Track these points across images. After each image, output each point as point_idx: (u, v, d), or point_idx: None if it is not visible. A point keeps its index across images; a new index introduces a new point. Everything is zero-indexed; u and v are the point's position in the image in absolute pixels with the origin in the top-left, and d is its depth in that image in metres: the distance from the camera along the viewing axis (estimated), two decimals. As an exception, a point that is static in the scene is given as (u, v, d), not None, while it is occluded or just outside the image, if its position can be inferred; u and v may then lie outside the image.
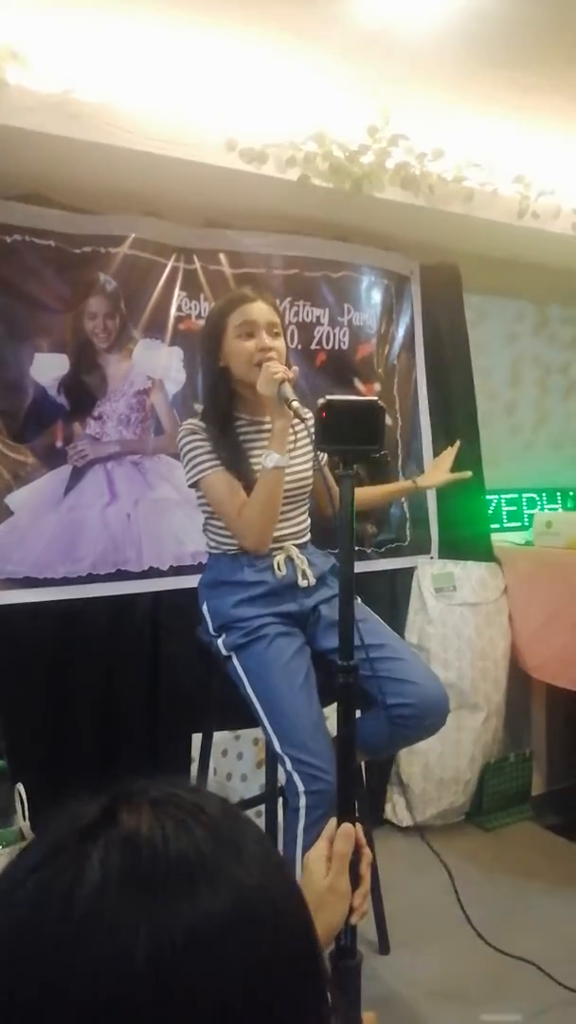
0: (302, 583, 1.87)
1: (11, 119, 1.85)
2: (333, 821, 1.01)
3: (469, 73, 2.09)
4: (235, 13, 1.84)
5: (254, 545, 1.82)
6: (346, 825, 0.98)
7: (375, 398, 1.11)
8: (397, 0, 1.78)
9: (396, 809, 2.84)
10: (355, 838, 0.97)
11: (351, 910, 0.95)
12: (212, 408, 1.88)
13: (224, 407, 1.86)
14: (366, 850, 0.99)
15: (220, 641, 1.87)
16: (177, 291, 2.42)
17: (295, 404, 1.67)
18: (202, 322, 2.45)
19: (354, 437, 1.09)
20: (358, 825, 0.99)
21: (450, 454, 2.20)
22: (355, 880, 0.97)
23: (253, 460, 1.84)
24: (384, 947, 2.11)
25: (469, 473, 2.21)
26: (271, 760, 1.81)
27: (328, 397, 1.12)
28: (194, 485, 1.86)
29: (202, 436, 1.83)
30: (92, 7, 1.79)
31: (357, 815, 2.08)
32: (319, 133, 2.22)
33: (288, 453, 1.80)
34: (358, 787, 1.68)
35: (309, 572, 1.88)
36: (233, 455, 1.83)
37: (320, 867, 0.94)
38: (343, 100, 2.20)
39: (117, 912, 0.48)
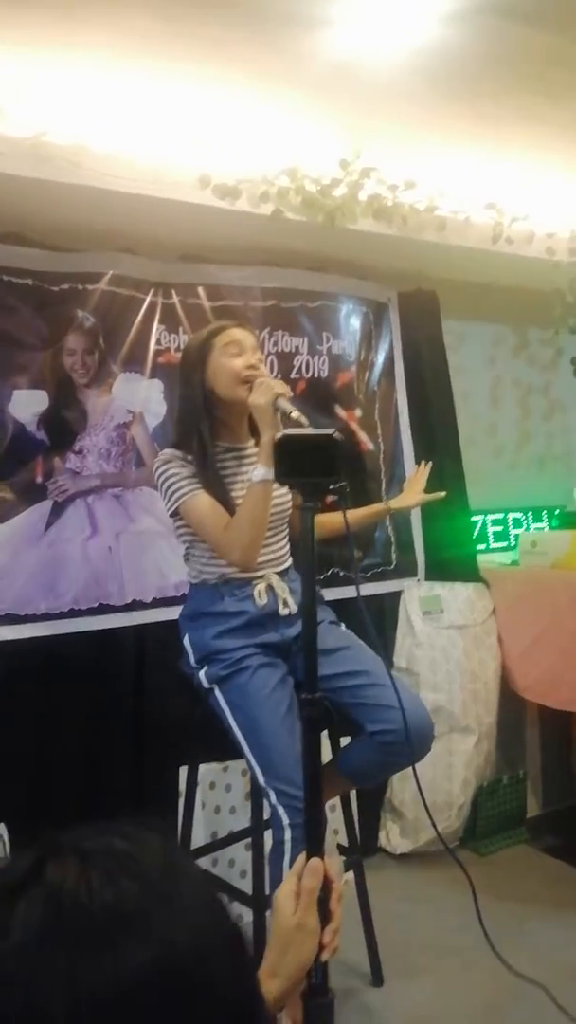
0: (283, 611, 1.87)
1: (-17, 163, 1.88)
2: (302, 856, 0.99)
3: (435, 106, 2.13)
4: (203, 53, 1.87)
5: (241, 560, 1.79)
6: (314, 860, 0.96)
7: (332, 431, 1.11)
8: (359, 38, 1.82)
9: (390, 836, 2.82)
10: (323, 873, 0.96)
11: (321, 947, 0.94)
12: (193, 433, 1.86)
13: (205, 433, 1.86)
14: (336, 884, 0.98)
15: (202, 673, 1.86)
16: (156, 325, 2.45)
17: (295, 414, 1.66)
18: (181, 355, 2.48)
19: (312, 470, 1.10)
20: (327, 859, 0.98)
21: (423, 473, 2.23)
22: (325, 916, 0.95)
23: (233, 488, 1.84)
24: (377, 979, 2.09)
25: (443, 493, 2.22)
26: (256, 793, 1.79)
27: (285, 431, 1.14)
28: (175, 513, 1.85)
29: (178, 463, 1.83)
30: (62, 51, 1.83)
31: (347, 845, 2.07)
32: (291, 168, 2.26)
33: None
34: (324, 822, 1.66)
35: (290, 600, 1.88)
36: (214, 482, 1.82)
37: (288, 904, 0.93)
38: (314, 135, 2.24)
39: (35, 970, 0.48)
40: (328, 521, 2.10)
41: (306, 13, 1.71)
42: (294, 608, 1.87)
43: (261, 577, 1.87)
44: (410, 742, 1.76)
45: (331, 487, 1.11)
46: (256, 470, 1.75)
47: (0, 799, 1.93)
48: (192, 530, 1.87)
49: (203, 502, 1.80)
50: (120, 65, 1.89)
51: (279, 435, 1.14)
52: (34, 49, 1.81)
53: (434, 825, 1.82)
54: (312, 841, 1.06)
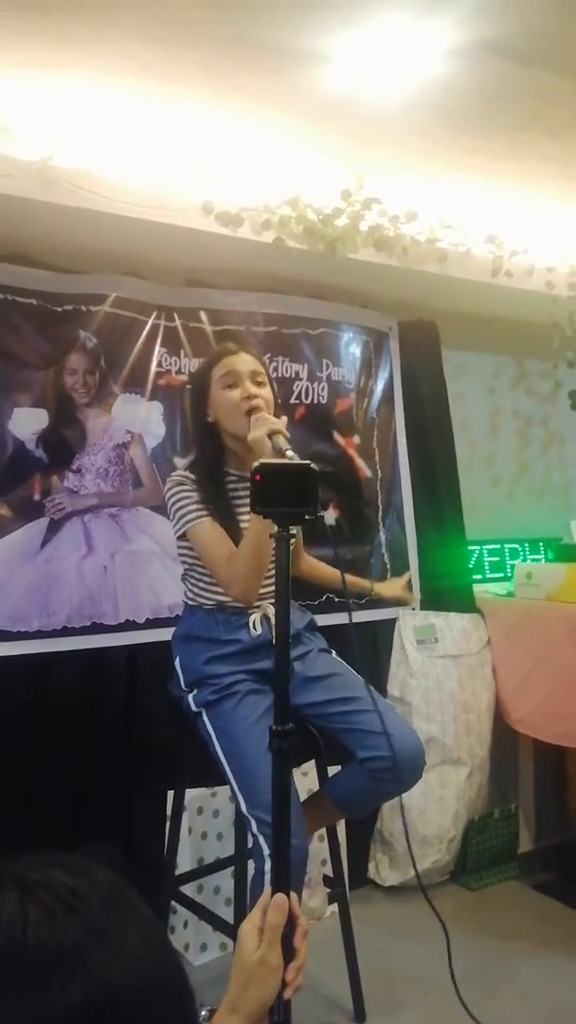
0: None
1: (-9, 185, 1.92)
2: (268, 890, 0.98)
3: (437, 139, 2.17)
4: (209, 82, 1.92)
5: (241, 595, 1.78)
6: (279, 896, 0.94)
7: (308, 462, 1.12)
8: (362, 73, 1.86)
9: (379, 868, 2.78)
10: (288, 909, 0.94)
11: (284, 984, 0.92)
12: (202, 463, 1.88)
13: (213, 462, 1.88)
14: (302, 920, 0.96)
15: (191, 697, 1.85)
16: (158, 347, 2.47)
17: (288, 454, 1.63)
18: (183, 377, 2.50)
19: (288, 500, 1.10)
20: (292, 895, 0.96)
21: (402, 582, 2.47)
22: (290, 953, 0.93)
23: (241, 518, 1.84)
24: (360, 1014, 2.04)
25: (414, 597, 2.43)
26: (240, 821, 1.77)
27: (261, 460, 1.14)
28: (182, 536, 1.85)
29: (190, 487, 1.83)
30: (70, 77, 1.87)
31: (332, 876, 2.04)
32: (293, 197, 2.29)
33: None
34: (306, 855, 1.65)
35: None
36: (222, 511, 1.82)
37: (252, 939, 0.91)
38: (316, 164, 2.28)
39: None
40: (319, 571, 2.17)
41: (308, 48, 1.75)
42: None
43: (258, 607, 1.86)
44: (399, 769, 1.75)
45: (307, 517, 1.10)
46: None
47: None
48: (194, 554, 1.87)
49: (208, 530, 1.80)
50: (127, 92, 1.94)
51: (256, 464, 1.13)
52: (43, 74, 1.86)
53: (415, 865, 1.80)
54: (279, 876, 1.04)
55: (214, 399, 1.86)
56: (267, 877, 1.63)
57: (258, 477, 1.11)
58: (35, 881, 0.54)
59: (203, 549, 1.81)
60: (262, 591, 1.86)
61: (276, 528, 1.12)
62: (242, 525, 1.82)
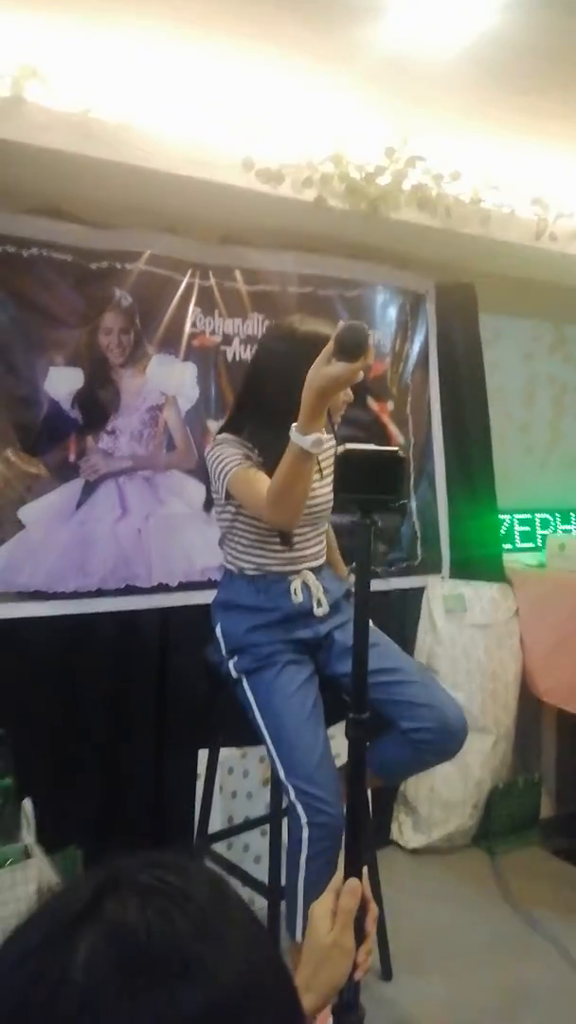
0: (317, 612, 1.85)
1: (29, 136, 1.87)
2: (340, 874, 0.99)
3: (487, 97, 2.09)
4: (254, 35, 1.84)
5: (282, 518, 1.67)
6: (352, 881, 0.96)
7: (396, 448, 1.09)
8: (416, 27, 1.78)
9: (403, 830, 2.81)
10: (361, 894, 0.96)
11: (355, 966, 0.94)
12: (271, 422, 1.73)
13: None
14: (372, 905, 0.98)
15: (231, 663, 1.86)
16: (192, 307, 2.43)
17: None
18: (216, 338, 2.46)
19: (373, 487, 1.07)
20: (364, 879, 0.98)
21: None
22: (360, 935, 0.95)
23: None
24: (387, 973, 2.09)
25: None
26: (276, 783, 1.79)
27: (348, 445, 1.10)
28: (228, 495, 1.76)
29: (234, 443, 1.78)
30: (112, 27, 1.81)
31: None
32: (336, 154, 2.22)
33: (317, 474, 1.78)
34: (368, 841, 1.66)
35: (324, 599, 1.87)
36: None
37: (325, 922, 0.93)
38: (361, 121, 2.20)
39: (98, 1012, 0.48)
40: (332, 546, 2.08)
41: (361, 1, 1.67)
42: (327, 608, 1.86)
43: (297, 573, 1.85)
44: (444, 741, 1.76)
45: (390, 505, 1.08)
46: (294, 432, 1.53)
47: (24, 775, 1.94)
48: (242, 518, 1.82)
49: (251, 474, 1.72)
50: (168, 44, 1.87)
51: (341, 448, 1.10)
52: (83, 23, 1.79)
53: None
54: (352, 862, 1.05)
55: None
56: (304, 844, 1.65)
57: (344, 462, 1.08)
58: (148, 884, 0.54)
59: (246, 489, 1.71)
60: (300, 554, 1.85)
61: (359, 515, 1.09)
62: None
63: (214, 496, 1.87)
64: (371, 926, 0.97)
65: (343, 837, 1.73)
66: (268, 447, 1.74)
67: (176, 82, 1.98)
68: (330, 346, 1.44)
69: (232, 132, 2.11)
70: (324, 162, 2.22)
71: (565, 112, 2.18)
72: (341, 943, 0.91)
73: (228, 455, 1.76)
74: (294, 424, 1.53)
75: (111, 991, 0.49)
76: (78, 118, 1.90)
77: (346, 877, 0.98)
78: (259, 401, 1.81)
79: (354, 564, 1.16)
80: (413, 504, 2.86)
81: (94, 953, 0.50)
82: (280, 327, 1.83)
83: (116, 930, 0.51)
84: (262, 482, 1.69)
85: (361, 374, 1.47)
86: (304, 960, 0.92)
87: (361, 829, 1.11)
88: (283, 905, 1.73)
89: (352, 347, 1.40)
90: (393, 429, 2.81)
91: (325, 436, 1.56)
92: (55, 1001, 0.48)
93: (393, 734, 1.80)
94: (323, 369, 1.45)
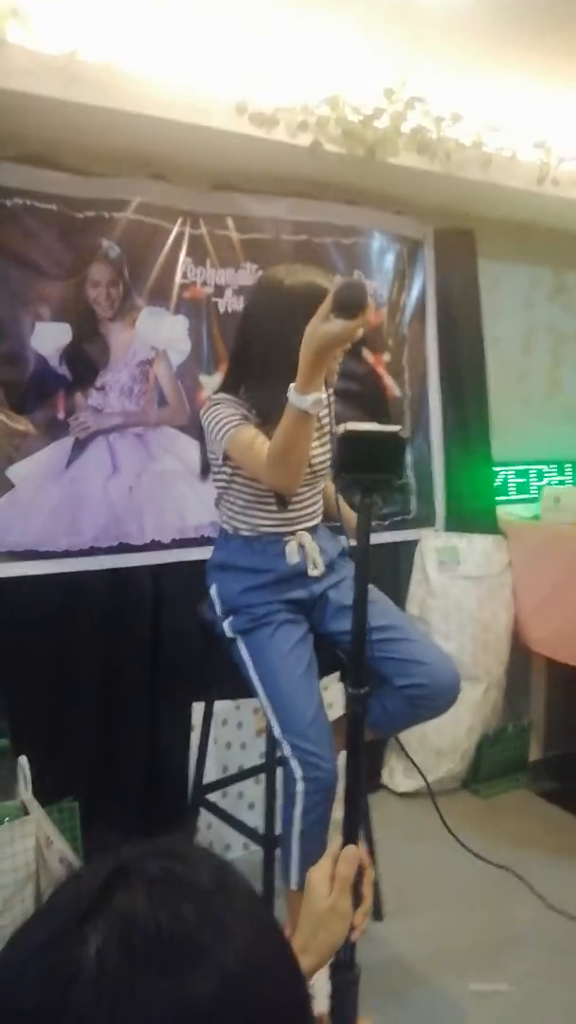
0: (312, 572, 1.86)
1: (11, 81, 1.78)
2: (338, 841, 1.03)
3: (489, 35, 1.98)
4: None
5: (281, 483, 1.69)
6: (351, 847, 1.00)
7: (398, 428, 1.09)
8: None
9: (393, 775, 2.89)
10: (359, 861, 1.00)
11: (352, 927, 0.98)
12: (269, 379, 1.70)
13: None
14: (368, 870, 1.02)
15: (226, 624, 1.87)
16: (183, 257, 2.36)
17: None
18: (208, 289, 2.40)
19: (374, 466, 1.08)
20: (362, 844, 1.02)
21: None
22: (356, 899, 0.99)
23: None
24: (377, 913, 2.17)
25: None
26: (271, 738, 1.83)
27: (348, 426, 1.10)
28: (226, 454, 1.74)
29: (231, 404, 1.75)
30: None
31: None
32: (333, 97, 2.13)
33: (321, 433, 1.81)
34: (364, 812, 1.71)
35: (319, 560, 1.87)
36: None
37: (323, 887, 0.97)
38: (358, 63, 2.10)
39: (113, 1003, 0.49)
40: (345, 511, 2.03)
41: None
42: (322, 568, 1.86)
43: (293, 534, 1.85)
44: (437, 696, 1.80)
45: (393, 484, 1.08)
46: (293, 393, 1.52)
47: (19, 732, 1.98)
48: (238, 479, 1.80)
49: (250, 433, 1.69)
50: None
51: (343, 428, 1.09)
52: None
53: (423, 777, 1.86)
54: (350, 830, 1.09)
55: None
56: (299, 797, 1.70)
57: (345, 441, 1.08)
58: (155, 874, 0.56)
59: (246, 452, 1.68)
60: (297, 514, 1.85)
61: (360, 495, 1.09)
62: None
63: (210, 457, 1.86)
64: (367, 890, 1.01)
65: (336, 789, 1.80)
66: (265, 405, 1.72)
67: (166, 23, 1.88)
68: (328, 303, 1.41)
69: (224, 75, 2.01)
70: (320, 105, 2.13)
71: (571, 48, 2.08)
72: (338, 907, 0.96)
73: (225, 416, 1.73)
74: (292, 384, 1.51)
75: (124, 982, 0.50)
76: (62, 61, 1.80)
77: (344, 844, 1.02)
78: (252, 358, 1.78)
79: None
80: (408, 457, 2.84)
81: (105, 946, 0.51)
82: (267, 280, 1.78)
83: (126, 922, 0.53)
84: (262, 444, 1.67)
85: (360, 331, 1.45)
86: (302, 923, 0.97)
87: (358, 800, 1.14)
88: (278, 853, 1.80)
89: (352, 305, 1.38)
90: (389, 381, 2.77)
91: (323, 395, 1.55)
92: (70, 995, 0.50)
93: (387, 690, 1.84)
94: (321, 327, 1.43)
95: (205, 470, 1.92)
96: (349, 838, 1.04)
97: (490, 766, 2.89)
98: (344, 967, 1.02)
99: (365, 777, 1.17)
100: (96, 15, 1.82)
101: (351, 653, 1.14)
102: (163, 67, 1.92)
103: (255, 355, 1.76)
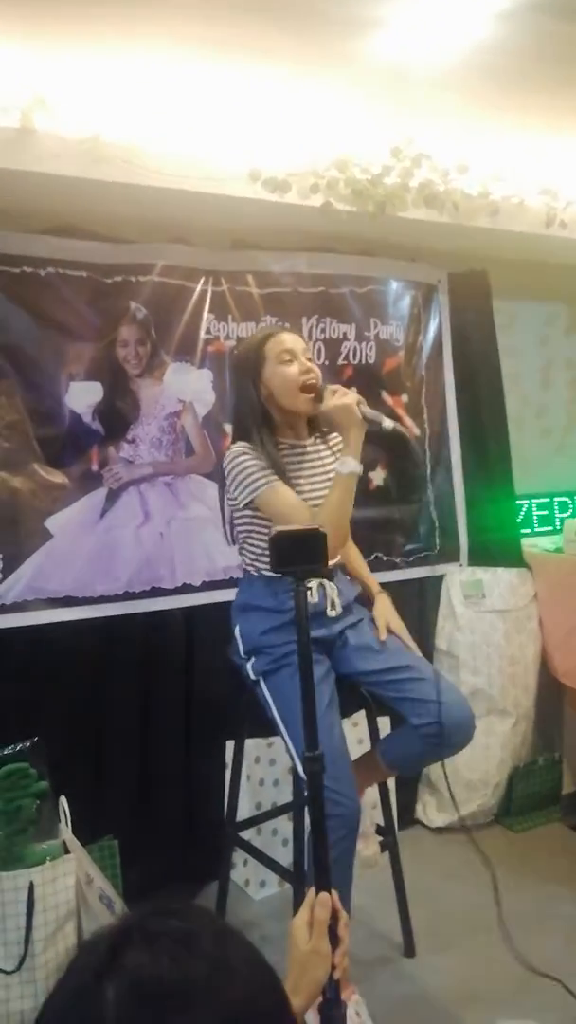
0: (331, 613, 1.93)
1: (40, 165, 1.93)
2: (312, 891, 1.14)
3: (488, 100, 2.10)
4: (251, 49, 1.88)
5: (337, 545, 1.87)
6: (323, 895, 1.12)
7: (318, 526, 1.32)
8: (412, 38, 1.80)
9: (427, 810, 2.92)
10: (331, 905, 1.11)
11: (333, 967, 1.09)
12: (258, 436, 1.89)
13: (268, 435, 1.90)
14: (342, 913, 1.13)
15: (249, 665, 1.95)
16: (206, 313, 2.49)
17: (387, 423, 1.87)
18: (231, 342, 2.52)
19: (302, 559, 1.30)
20: (333, 892, 1.13)
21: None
22: (334, 941, 1.09)
23: (298, 485, 1.90)
24: (409, 950, 2.20)
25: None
26: (296, 777, 1.90)
27: (278, 529, 1.35)
28: (247, 503, 1.87)
29: (253, 456, 1.86)
30: (114, 53, 1.85)
31: (383, 824, 2.16)
32: (341, 159, 2.25)
33: (324, 475, 1.94)
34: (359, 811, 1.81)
35: (338, 601, 1.94)
36: (281, 477, 1.86)
37: (304, 932, 1.08)
38: (364, 124, 2.22)
39: None
40: (356, 561, 2.17)
41: (358, 15, 1.70)
42: (340, 609, 1.93)
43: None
44: (450, 735, 1.84)
45: (319, 572, 1.28)
46: (345, 463, 1.84)
47: (60, 773, 2.06)
48: (259, 521, 1.90)
49: (286, 491, 1.84)
50: (170, 66, 1.92)
51: (273, 531, 1.33)
52: (87, 53, 1.84)
53: (455, 805, 1.90)
54: (320, 876, 1.20)
55: (269, 374, 1.89)
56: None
57: (275, 543, 1.30)
58: (156, 931, 0.65)
59: (283, 509, 1.81)
60: None
61: (294, 583, 1.29)
62: (298, 490, 1.88)
63: (229, 503, 1.95)
64: (342, 931, 1.12)
65: (360, 825, 1.85)
66: (264, 446, 1.88)
67: (179, 101, 2.03)
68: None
69: (237, 145, 2.14)
70: (329, 168, 2.25)
71: (567, 106, 2.18)
72: (319, 949, 1.07)
73: (250, 467, 1.84)
74: (347, 457, 1.83)
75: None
76: (87, 144, 1.96)
77: (317, 892, 1.13)
78: (238, 414, 1.99)
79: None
80: (431, 494, 2.91)
81: (120, 999, 0.61)
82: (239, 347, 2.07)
83: (136, 978, 0.62)
84: (303, 507, 1.84)
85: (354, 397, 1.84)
86: (290, 967, 1.07)
87: (323, 851, 1.25)
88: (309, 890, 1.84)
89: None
90: (408, 421, 2.85)
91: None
92: None
93: (405, 729, 1.89)
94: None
95: (231, 532, 2.02)
96: (321, 886, 1.15)
97: (522, 800, 2.90)
98: (331, 1004, 1.12)
99: (325, 833, 1.28)
100: (115, 99, 1.97)
101: (304, 722, 1.29)
102: (178, 142, 2.06)
103: (239, 410, 1.99)
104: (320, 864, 1.21)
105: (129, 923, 0.66)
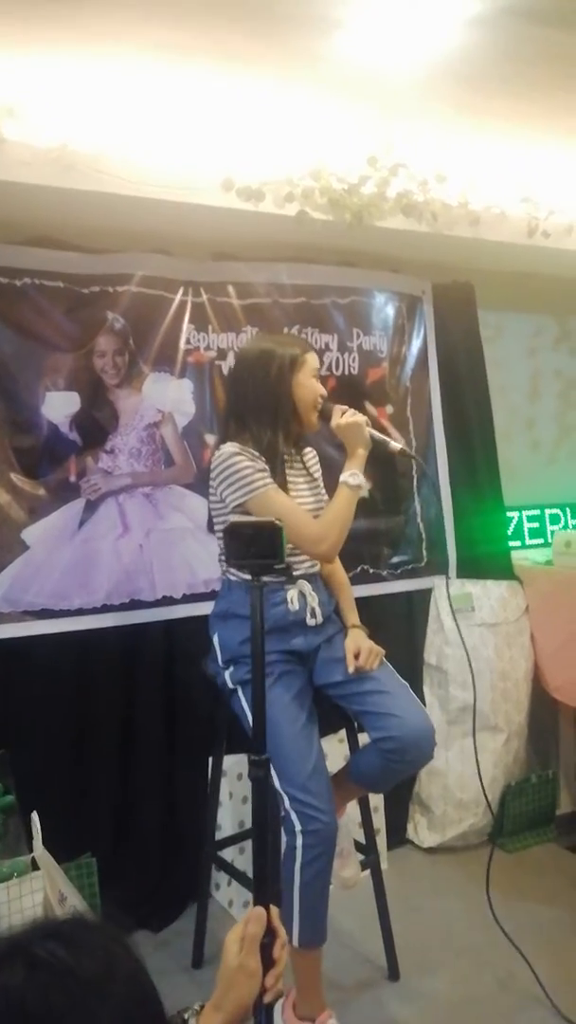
0: (310, 622, 1.89)
1: (10, 174, 1.93)
2: (251, 905, 1.06)
3: (464, 105, 2.09)
4: (225, 56, 1.88)
5: (328, 552, 1.88)
6: (257, 909, 1.03)
7: (274, 519, 1.23)
8: (382, 41, 1.80)
9: (418, 829, 2.84)
10: (267, 921, 1.02)
11: (264, 989, 1.00)
12: (272, 438, 1.88)
13: (280, 439, 1.89)
14: (280, 931, 1.05)
15: (227, 674, 1.91)
16: (186, 324, 2.47)
17: (395, 445, 1.95)
18: (211, 353, 2.50)
19: (257, 552, 1.23)
20: (272, 909, 1.05)
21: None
22: (268, 961, 1.01)
23: (293, 492, 1.89)
24: (394, 973, 2.12)
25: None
26: (259, 789, 1.84)
27: (233, 521, 1.27)
28: (239, 505, 1.83)
29: (249, 456, 1.84)
30: (84, 60, 1.86)
31: (364, 843, 2.10)
32: (316, 168, 2.24)
33: (314, 484, 2.00)
34: (274, 874, 1.71)
35: (318, 610, 1.91)
36: (279, 484, 1.86)
37: (235, 947, 1.00)
38: (340, 133, 2.22)
39: None
40: (338, 575, 2.11)
41: (320, 14, 1.69)
42: (320, 619, 1.90)
43: (294, 583, 1.89)
44: (406, 750, 1.78)
45: (275, 567, 1.21)
46: (354, 475, 1.87)
47: (37, 790, 2.02)
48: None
49: (283, 496, 1.84)
50: (140, 74, 1.92)
51: (228, 524, 1.26)
52: (56, 61, 1.85)
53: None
54: (259, 889, 1.14)
55: (301, 383, 1.90)
56: (299, 852, 1.70)
57: (230, 534, 1.24)
58: (39, 959, 0.63)
59: (281, 512, 1.77)
60: (298, 568, 1.89)
61: (250, 578, 1.23)
62: (294, 497, 1.89)
63: (214, 504, 1.92)
64: (279, 952, 1.03)
65: (336, 842, 1.79)
66: (271, 447, 1.87)
67: (150, 108, 2.03)
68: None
69: (210, 153, 2.14)
70: (304, 177, 2.24)
71: (545, 112, 2.17)
72: (246, 966, 0.98)
73: (245, 468, 1.81)
74: (351, 471, 1.87)
75: None
76: (57, 152, 1.96)
77: (255, 904, 1.05)
78: (248, 409, 1.92)
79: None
80: (417, 507, 2.87)
81: None
82: (248, 348, 2.04)
83: (2, 993, 0.60)
84: (301, 514, 1.85)
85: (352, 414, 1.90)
86: (218, 982, 0.99)
87: (264, 862, 1.17)
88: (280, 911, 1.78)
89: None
90: (393, 432, 2.82)
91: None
92: None
93: (368, 744, 1.84)
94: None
95: (211, 524, 1.99)
96: (259, 900, 1.08)
97: (515, 819, 2.82)
98: None
99: (267, 842, 1.21)
100: (85, 107, 1.97)
101: (253, 723, 1.23)
102: (150, 151, 2.06)
103: (251, 405, 1.91)
104: (260, 875, 1.15)
105: (18, 942, 0.64)
